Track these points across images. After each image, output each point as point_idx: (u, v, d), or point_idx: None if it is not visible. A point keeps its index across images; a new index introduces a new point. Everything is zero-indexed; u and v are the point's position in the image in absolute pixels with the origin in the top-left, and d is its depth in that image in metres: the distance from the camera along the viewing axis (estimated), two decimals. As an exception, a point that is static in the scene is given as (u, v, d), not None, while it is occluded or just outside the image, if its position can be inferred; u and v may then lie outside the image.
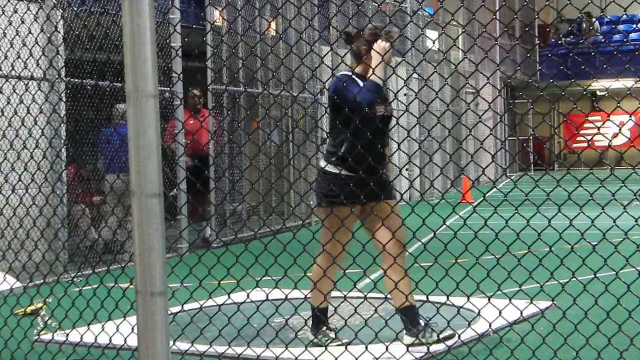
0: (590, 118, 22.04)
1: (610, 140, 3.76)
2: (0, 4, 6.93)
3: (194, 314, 4.67)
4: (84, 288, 5.48)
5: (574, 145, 23.12)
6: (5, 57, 5.40)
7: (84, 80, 8.93)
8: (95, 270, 6.41)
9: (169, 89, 9.98)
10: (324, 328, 5.13)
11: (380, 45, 4.92)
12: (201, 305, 4.43)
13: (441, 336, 4.81)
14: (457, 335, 4.82)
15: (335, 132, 5.01)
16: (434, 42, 17.72)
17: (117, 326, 4.50)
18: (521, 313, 4.16)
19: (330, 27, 13.51)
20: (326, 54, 12.82)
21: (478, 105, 20.45)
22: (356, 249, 4.25)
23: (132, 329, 3.24)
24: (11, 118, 4.98)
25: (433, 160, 4.01)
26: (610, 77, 17.32)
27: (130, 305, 4.38)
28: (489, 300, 3.93)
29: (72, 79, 8.82)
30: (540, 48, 27.37)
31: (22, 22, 5.02)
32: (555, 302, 4.43)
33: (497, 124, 18.58)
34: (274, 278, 4.13)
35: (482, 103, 20.18)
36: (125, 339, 4.24)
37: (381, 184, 4.74)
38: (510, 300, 3.98)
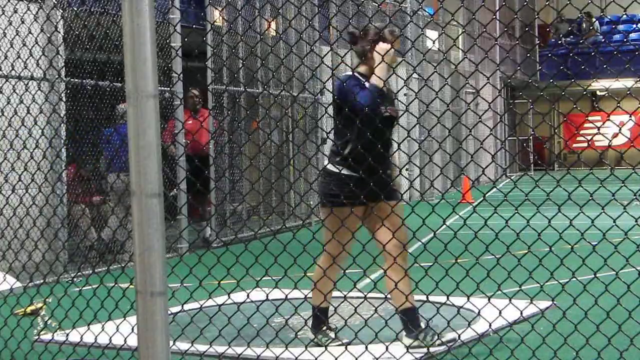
0: (590, 118, 22.04)
1: (610, 140, 3.76)
2: (0, 4, 6.93)
3: (194, 314, 4.66)
4: (84, 288, 5.48)
5: (574, 145, 23.12)
6: (5, 57, 5.40)
7: (84, 80, 8.93)
8: (95, 270, 6.41)
9: (169, 89, 9.98)
10: (324, 328, 5.13)
11: (382, 47, 4.92)
12: (201, 305, 4.43)
13: (442, 339, 4.82)
14: (457, 338, 4.82)
15: (339, 133, 5.01)
16: (434, 42, 17.72)
17: (117, 326, 4.50)
18: (521, 313, 4.16)
19: (330, 27, 13.51)
20: (326, 54, 12.81)
21: (478, 105, 20.45)
22: (356, 249, 4.25)
23: (132, 329, 3.24)
24: (11, 118, 4.98)
25: (433, 160, 4.01)
26: (610, 77, 17.33)
27: (130, 305, 4.38)
28: (489, 300, 3.93)
29: (72, 79, 8.82)
30: (540, 48, 27.36)
31: (22, 22, 5.02)
32: (555, 302, 4.43)
33: (497, 124, 18.58)
34: (274, 278, 4.13)
35: (482, 103, 20.18)
36: (125, 339, 4.24)
37: (384, 184, 4.74)
38: (510, 300, 3.98)
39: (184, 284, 4.29)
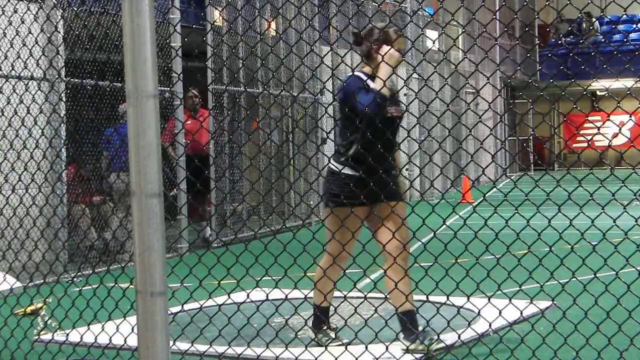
0: (590, 118, 22.04)
1: (610, 140, 3.76)
2: (0, 4, 6.93)
3: (194, 314, 4.67)
4: (84, 288, 5.48)
5: (574, 145, 23.12)
6: (5, 57, 5.40)
7: (84, 80, 8.93)
8: (95, 270, 6.41)
9: (169, 89, 9.98)
10: (325, 327, 5.13)
11: (386, 50, 4.88)
12: (201, 305, 4.44)
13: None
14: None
15: (344, 133, 5.00)
16: (434, 42, 17.71)
17: (117, 326, 4.50)
18: (521, 313, 4.16)
19: (330, 27, 13.51)
20: (326, 54, 12.81)
21: (478, 105, 20.45)
22: (356, 249, 4.25)
23: (132, 329, 3.24)
24: (11, 118, 4.98)
25: (433, 160, 4.01)
26: (610, 77, 17.32)
27: (130, 305, 4.38)
28: (489, 300, 3.93)
29: (72, 79, 8.82)
30: (540, 48, 27.36)
31: (22, 22, 5.02)
32: (555, 302, 4.43)
33: (497, 124, 18.58)
34: (274, 278, 4.13)
35: (482, 103, 20.18)
36: (125, 339, 4.24)
37: (388, 184, 4.72)
38: (510, 300, 3.99)
39: (184, 284, 4.29)
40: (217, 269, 4.12)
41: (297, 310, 4.26)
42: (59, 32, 8.40)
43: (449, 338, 4.91)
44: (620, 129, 23.14)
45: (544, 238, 3.63)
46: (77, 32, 8.89)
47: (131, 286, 2.95)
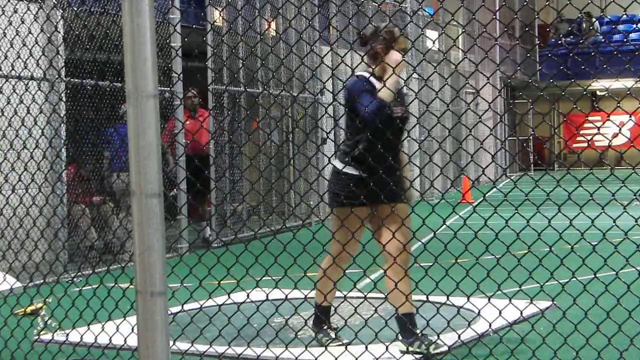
0: (590, 118, 22.04)
1: (610, 140, 3.76)
2: (0, 4, 6.93)
3: (194, 314, 4.66)
4: (84, 288, 5.48)
5: (574, 145, 23.12)
6: (5, 57, 5.40)
7: (84, 80, 8.93)
8: (95, 270, 6.41)
9: (169, 89, 9.98)
10: (326, 327, 5.12)
11: (392, 57, 4.86)
12: (201, 305, 4.43)
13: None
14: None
15: (350, 133, 4.99)
16: (434, 42, 17.71)
17: (117, 326, 4.50)
18: (521, 313, 4.16)
19: (330, 27, 13.51)
20: (326, 54, 12.81)
21: (478, 105, 20.45)
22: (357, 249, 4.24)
23: (132, 329, 3.24)
24: (11, 118, 4.98)
25: (433, 160, 4.01)
26: (610, 77, 17.31)
27: (130, 305, 4.38)
28: (489, 300, 3.93)
29: (72, 79, 8.82)
30: (540, 48, 27.36)
31: (22, 22, 5.02)
32: (555, 302, 4.43)
33: (497, 124, 18.58)
34: (274, 278, 4.13)
35: (482, 103, 20.18)
36: (125, 339, 4.24)
37: (394, 185, 4.71)
38: (510, 300, 3.98)
39: (184, 284, 4.29)
40: (217, 269, 4.12)
41: (297, 310, 4.26)
42: (59, 32, 8.40)
43: (449, 338, 4.91)
44: (620, 129, 23.14)
45: (544, 238, 3.63)
46: (77, 32, 8.89)
47: (131, 286, 2.95)
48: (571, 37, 27.91)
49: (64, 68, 8.46)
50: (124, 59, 2.23)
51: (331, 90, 12.46)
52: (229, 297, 4.44)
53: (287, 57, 12.52)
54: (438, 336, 4.75)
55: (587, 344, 3.82)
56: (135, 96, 2.22)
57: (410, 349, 4.84)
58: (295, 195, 12.62)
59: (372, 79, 4.93)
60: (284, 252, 3.98)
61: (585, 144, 3.75)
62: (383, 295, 4.88)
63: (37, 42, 4.72)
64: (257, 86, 12.20)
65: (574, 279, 3.94)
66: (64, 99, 8.31)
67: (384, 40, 4.92)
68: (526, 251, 3.97)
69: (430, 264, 4.07)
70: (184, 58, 9.69)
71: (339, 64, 4.50)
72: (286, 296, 4.44)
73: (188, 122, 10.44)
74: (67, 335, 5.16)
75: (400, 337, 4.87)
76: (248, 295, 4.41)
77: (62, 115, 8.10)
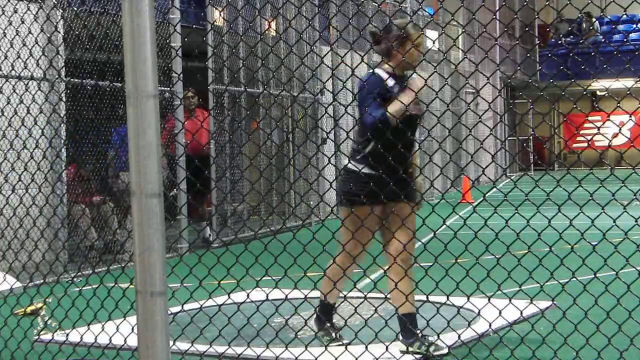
0: (590, 118, 22.03)
1: (610, 140, 3.76)
2: (0, 4, 6.93)
3: (194, 314, 4.67)
4: (84, 288, 5.48)
5: (574, 145, 23.12)
6: (5, 57, 5.40)
7: (84, 80, 8.93)
8: (95, 270, 6.41)
9: (169, 89, 9.98)
10: (328, 325, 5.11)
11: (416, 83, 4.75)
12: (201, 305, 4.44)
13: (432, 351, 4.80)
14: (447, 350, 4.82)
15: (361, 131, 4.96)
16: (434, 42, 17.71)
17: (117, 326, 4.50)
18: (521, 313, 4.16)
19: (330, 27, 13.51)
20: (326, 54, 12.81)
21: (478, 105, 20.45)
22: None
23: (132, 329, 3.24)
24: (11, 118, 4.98)
25: (433, 160, 4.01)
26: (610, 77, 17.31)
27: (130, 305, 4.38)
28: (489, 300, 3.93)
29: (72, 79, 8.82)
30: (540, 48, 27.36)
31: (22, 22, 5.02)
32: (555, 302, 4.43)
33: (497, 124, 18.58)
34: (274, 278, 4.13)
35: (482, 103, 20.18)
36: (125, 339, 4.24)
37: (404, 184, 4.70)
38: (510, 300, 3.99)
39: (184, 284, 4.29)
40: (217, 269, 4.12)
41: (297, 310, 4.26)
42: (59, 32, 8.40)
43: (449, 338, 4.91)
44: (620, 129, 23.14)
45: (544, 238, 3.63)
46: (77, 32, 8.89)
47: (131, 286, 2.95)
48: (571, 37, 27.91)
49: (64, 68, 8.45)
50: (124, 59, 2.23)
51: (331, 90, 12.46)
52: (229, 297, 4.44)
53: (287, 57, 12.52)
54: (438, 336, 4.74)
55: (587, 344, 3.82)
56: (135, 96, 2.22)
57: (410, 349, 4.84)
58: (295, 195, 12.62)
59: (388, 78, 4.89)
60: (284, 252, 3.98)
61: (585, 144, 3.75)
62: (383, 295, 4.89)
63: (37, 42, 4.72)
64: (258, 86, 12.20)
65: (574, 279, 3.94)
66: (64, 99, 8.31)
67: (398, 38, 4.87)
68: (526, 251, 3.97)
69: (430, 264, 4.07)
70: (184, 58, 9.69)
71: (339, 64, 4.49)
72: (286, 296, 4.44)
73: (186, 123, 10.44)
74: (67, 335, 5.16)
75: (400, 337, 4.87)
76: (248, 295, 4.41)
77: (62, 115, 8.10)
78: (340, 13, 13.25)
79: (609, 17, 21.75)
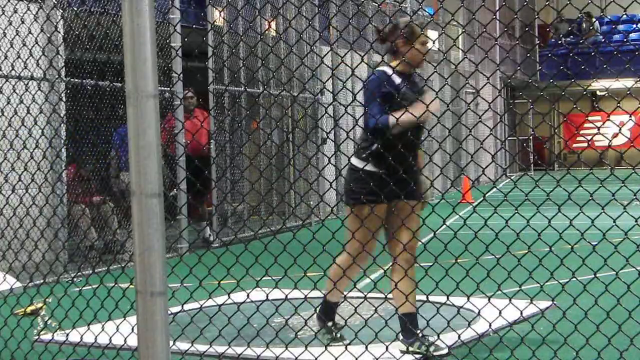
0: (590, 118, 22.04)
1: (610, 140, 3.76)
2: (0, 4, 6.93)
3: (194, 314, 4.66)
4: (84, 288, 5.48)
5: (574, 145, 23.12)
6: (5, 57, 5.40)
7: (84, 80, 8.93)
8: (95, 270, 6.41)
9: (169, 89, 9.98)
10: (330, 324, 5.10)
11: (435, 106, 4.67)
12: (201, 305, 4.43)
13: (432, 351, 4.80)
14: (447, 350, 4.81)
15: (366, 128, 4.94)
16: (434, 42, 17.70)
17: (117, 326, 4.50)
18: (521, 313, 4.16)
19: (330, 27, 13.51)
20: (326, 54, 12.81)
21: (478, 105, 20.45)
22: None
23: (132, 329, 3.24)
24: (11, 118, 4.98)
25: (433, 160, 4.01)
26: (610, 77, 17.32)
27: (130, 305, 4.38)
28: (489, 300, 3.93)
29: (72, 79, 8.82)
30: (540, 48, 27.36)
31: (22, 22, 5.02)
32: (555, 302, 4.43)
33: (497, 124, 18.58)
34: (274, 278, 4.13)
35: (482, 103, 20.18)
36: (125, 339, 4.24)
37: (408, 182, 4.69)
38: (510, 300, 3.98)
39: (184, 284, 4.29)
40: (217, 269, 4.12)
41: (297, 310, 4.26)
42: (59, 32, 8.40)
43: (449, 338, 4.91)
44: (620, 129, 23.14)
45: (544, 238, 3.63)
46: (77, 32, 8.89)
47: (131, 286, 2.95)
48: (571, 37, 27.91)
49: (64, 68, 8.45)
50: (124, 59, 2.23)
51: (331, 90, 12.46)
52: (229, 297, 4.44)
53: (287, 57, 12.52)
54: (438, 336, 4.74)
55: (587, 344, 3.81)
56: (135, 96, 2.22)
57: (410, 349, 4.84)
58: (295, 195, 12.62)
59: (393, 76, 4.90)
60: (284, 252, 3.98)
61: (585, 144, 3.75)
62: (383, 295, 4.88)
63: (37, 42, 4.72)
64: (258, 86, 12.20)
65: (574, 279, 3.94)
66: (64, 99, 8.31)
67: (403, 36, 4.88)
68: (526, 251, 3.97)
69: (430, 264, 4.07)
70: (184, 58, 9.69)
71: (339, 64, 4.49)
72: (286, 296, 4.44)
73: (186, 123, 10.43)
74: (67, 335, 5.16)
75: (400, 337, 4.87)
76: (248, 295, 4.41)
77: (62, 115, 8.10)
78: (340, 13, 13.26)
79: (609, 17, 21.75)
